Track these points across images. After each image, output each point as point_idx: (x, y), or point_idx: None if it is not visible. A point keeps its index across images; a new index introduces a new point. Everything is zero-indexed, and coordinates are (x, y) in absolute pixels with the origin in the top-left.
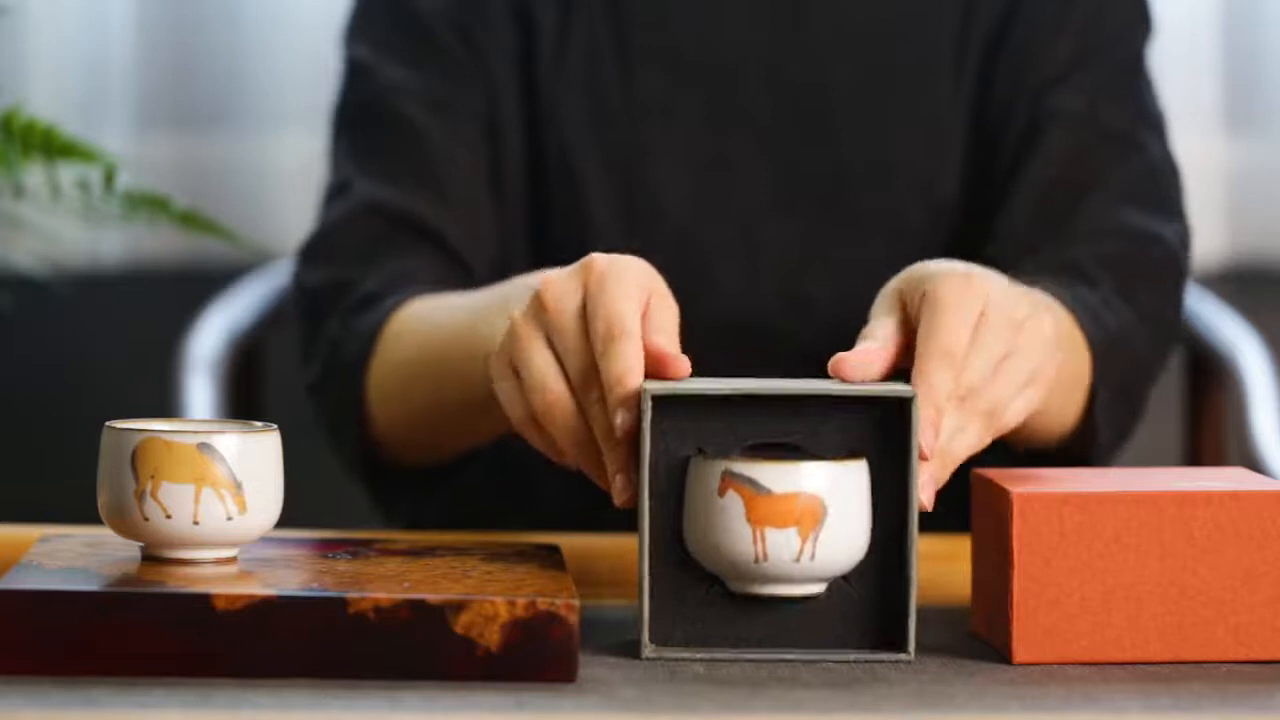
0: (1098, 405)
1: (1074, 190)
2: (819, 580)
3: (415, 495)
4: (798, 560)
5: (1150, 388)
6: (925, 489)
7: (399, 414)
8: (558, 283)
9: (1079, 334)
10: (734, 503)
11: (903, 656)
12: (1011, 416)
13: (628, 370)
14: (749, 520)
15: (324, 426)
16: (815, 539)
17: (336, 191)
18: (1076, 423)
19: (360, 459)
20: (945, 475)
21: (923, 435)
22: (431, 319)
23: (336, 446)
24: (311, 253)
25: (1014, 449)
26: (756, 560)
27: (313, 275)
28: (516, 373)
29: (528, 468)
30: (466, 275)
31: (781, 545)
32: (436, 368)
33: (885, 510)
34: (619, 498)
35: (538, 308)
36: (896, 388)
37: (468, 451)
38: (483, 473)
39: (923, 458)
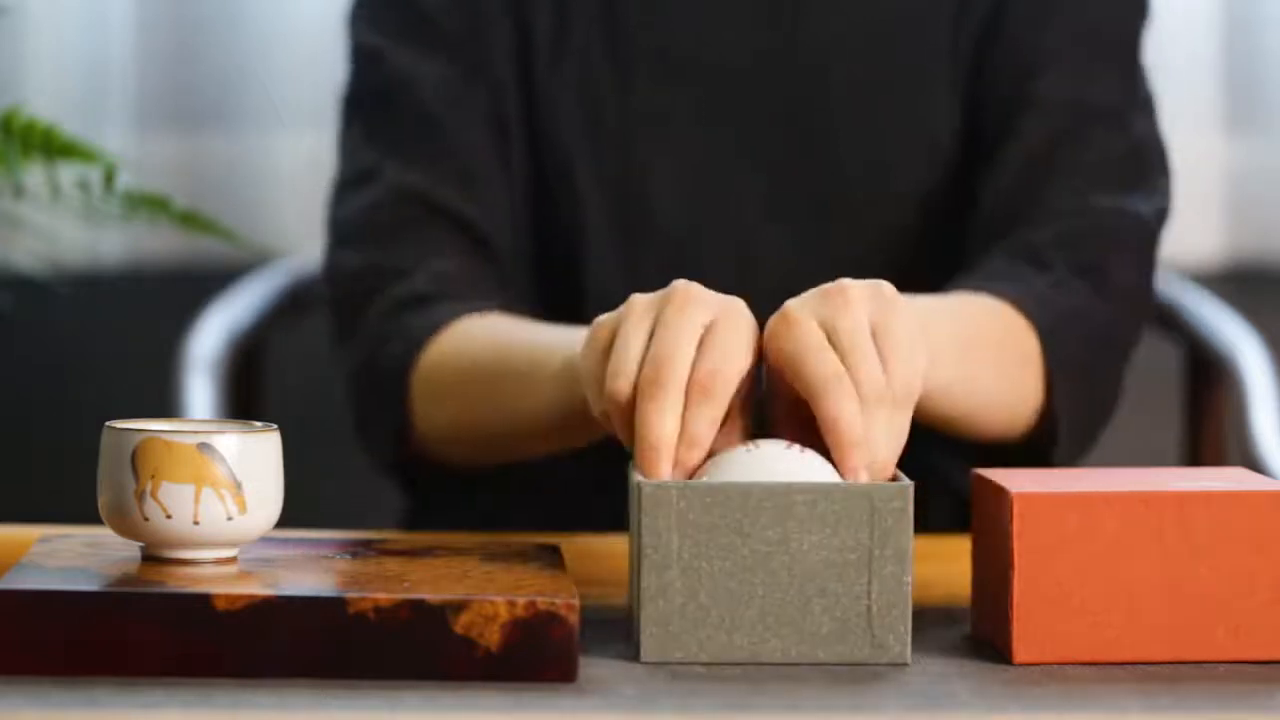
0: (1055, 390)
1: (1044, 175)
2: None
3: (450, 499)
4: None
5: (1121, 365)
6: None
7: (446, 418)
8: (695, 295)
9: (1020, 319)
10: None
11: (900, 659)
12: (914, 383)
13: (701, 434)
14: None
15: (354, 415)
16: None
17: (363, 177)
18: (1036, 411)
19: (392, 454)
20: (880, 466)
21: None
22: (492, 339)
23: (365, 438)
24: (345, 237)
25: (977, 441)
26: None
27: (349, 259)
28: (607, 350)
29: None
30: (498, 267)
31: None
32: (493, 384)
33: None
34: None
35: (664, 301)
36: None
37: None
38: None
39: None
